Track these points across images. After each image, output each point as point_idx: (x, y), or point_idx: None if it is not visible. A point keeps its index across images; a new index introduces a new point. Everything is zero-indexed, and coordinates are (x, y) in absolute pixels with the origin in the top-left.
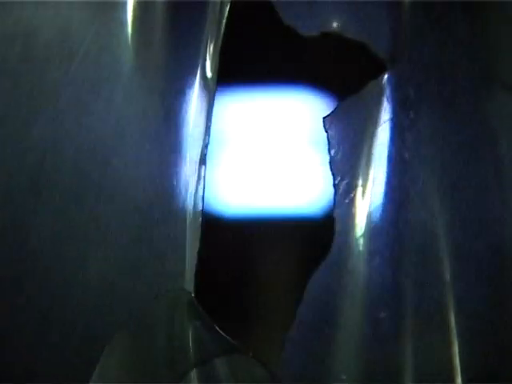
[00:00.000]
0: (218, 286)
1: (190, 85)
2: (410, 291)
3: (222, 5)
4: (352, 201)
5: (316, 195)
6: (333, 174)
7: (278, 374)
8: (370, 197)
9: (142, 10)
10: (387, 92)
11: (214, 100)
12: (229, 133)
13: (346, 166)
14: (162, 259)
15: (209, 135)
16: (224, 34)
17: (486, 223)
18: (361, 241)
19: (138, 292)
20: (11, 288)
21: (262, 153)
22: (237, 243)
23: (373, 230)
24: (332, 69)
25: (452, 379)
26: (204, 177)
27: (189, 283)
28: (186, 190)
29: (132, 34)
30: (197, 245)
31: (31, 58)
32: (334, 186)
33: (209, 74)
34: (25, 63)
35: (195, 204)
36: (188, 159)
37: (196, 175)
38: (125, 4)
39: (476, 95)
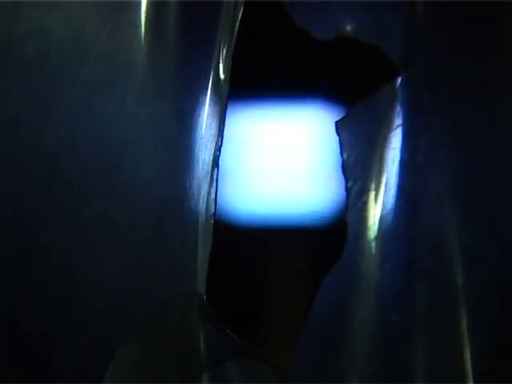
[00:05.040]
0: (229, 288)
1: (203, 87)
2: (423, 294)
3: (236, 6)
4: (364, 204)
5: (328, 199)
6: (345, 178)
7: (289, 377)
8: (382, 200)
9: (155, 11)
10: (400, 96)
11: (226, 102)
12: (241, 136)
13: (359, 170)
14: (174, 261)
15: (222, 138)
16: (237, 36)
17: (499, 226)
18: (373, 244)
19: (150, 293)
20: (23, 288)
21: (275, 155)
22: (249, 246)
23: (385, 233)
24: (345, 72)
25: (464, 383)
26: (216, 179)
27: (201, 285)
28: (199, 193)
29: (145, 36)
30: (209, 247)
31: (44, 58)
32: (347, 189)
33: (222, 76)
34: (38, 64)
35: (207, 206)
36: (201, 162)
37: (208, 178)
38: (138, 5)
39: (489, 99)
